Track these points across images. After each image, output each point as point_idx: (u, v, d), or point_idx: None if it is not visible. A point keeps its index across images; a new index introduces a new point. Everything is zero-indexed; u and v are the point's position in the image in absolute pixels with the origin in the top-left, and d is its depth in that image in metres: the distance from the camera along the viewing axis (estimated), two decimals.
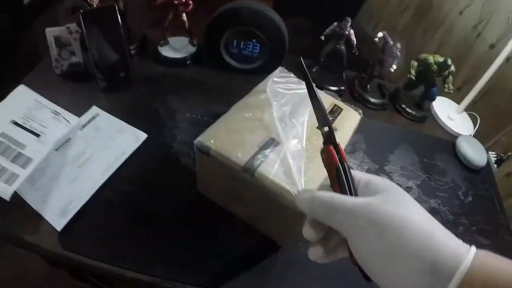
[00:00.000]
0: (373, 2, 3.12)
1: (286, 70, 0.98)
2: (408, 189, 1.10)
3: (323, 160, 0.52)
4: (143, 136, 0.99)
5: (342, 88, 1.30)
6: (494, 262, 0.37)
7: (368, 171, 1.10)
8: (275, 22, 1.16)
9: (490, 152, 1.34)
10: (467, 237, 1.05)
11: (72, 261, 0.79)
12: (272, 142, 0.76)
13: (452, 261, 0.37)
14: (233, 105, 0.84)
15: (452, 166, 1.24)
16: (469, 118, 1.47)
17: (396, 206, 0.41)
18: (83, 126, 0.98)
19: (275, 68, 1.01)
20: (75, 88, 1.08)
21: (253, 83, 0.91)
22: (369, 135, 1.17)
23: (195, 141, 0.74)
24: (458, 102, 1.45)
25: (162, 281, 0.79)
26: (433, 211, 1.07)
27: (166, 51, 1.25)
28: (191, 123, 1.07)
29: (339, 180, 0.48)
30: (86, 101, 1.04)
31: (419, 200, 1.03)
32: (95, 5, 1.02)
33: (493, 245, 1.06)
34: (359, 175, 0.49)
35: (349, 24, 1.21)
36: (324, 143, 0.53)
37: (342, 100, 0.96)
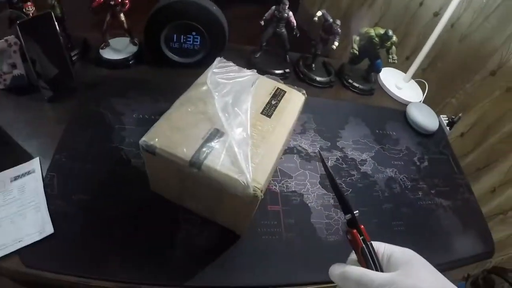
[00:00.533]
0: None
1: (224, 60, 0.96)
2: (363, 162, 1.11)
3: (349, 241, 0.55)
4: (48, 230, 0.81)
5: (287, 70, 1.30)
6: None
7: (321, 149, 1.10)
8: (212, 13, 1.13)
9: (441, 116, 1.36)
10: (427, 201, 1.07)
11: (38, 278, 0.76)
12: (216, 133, 0.75)
13: None
14: None
15: (405, 134, 1.25)
16: (417, 86, 1.49)
17: (415, 279, 0.45)
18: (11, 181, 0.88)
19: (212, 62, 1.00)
20: (20, 102, 1.04)
21: (197, 76, 0.89)
22: (318, 113, 1.18)
23: (140, 141, 0.73)
24: (406, 71, 1.45)
25: (128, 285, 0.77)
26: (390, 180, 1.09)
27: (108, 54, 1.21)
28: (138, 124, 1.03)
29: (365, 258, 0.52)
30: (31, 115, 1.01)
31: (375, 170, 1.07)
32: (31, 14, 0.98)
33: (453, 205, 1.09)
34: (382, 248, 0.52)
35: (287, 6, 1.19)
36: (348, 226, 0.56)
37: (288, 82, 0.96)
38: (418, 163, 1.17)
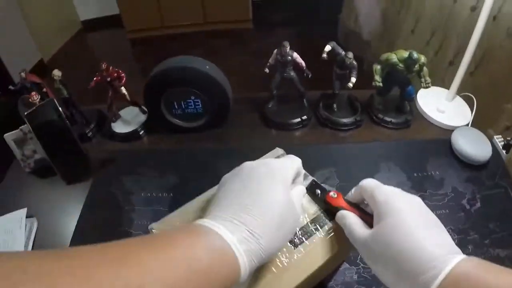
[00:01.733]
0: None
1: (281, 152, 0.77)
2: None
3: (331, 206, 0.62)
4: None
5: (304, 117, 1.16)
6: (476, 274, 0.42)
7: None
8: (204, 74, 1.05)
9: (495, 137, 1.15)
10: (480, 255, 0.87)
11: None
12: None
13: (427, 281, 0.43)
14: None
15: (451, 170, 1.07)
16: (463, 102, 1.29)
17: (387, 243, 0.48)
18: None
19: (224, 120, 1.07)
20: (43, 184, 1.08)
21: (203, 140, 0.83)
22: (342, 165, 1.02)
23: (149, 227, 0.67)
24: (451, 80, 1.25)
25: None
26: None
27: (119, 127, 1.20)
28: (147, 203, 0.99)
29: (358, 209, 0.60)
30: (53, 197, 1.05)
31: None
32: (37, 103, 0.99)
33: None
34: (368, 188, 0.58)
35: (288, 48, 1.06)
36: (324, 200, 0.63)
37: (308, 128, 0.88)
38: (467, 207, 0.98)
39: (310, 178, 0.69)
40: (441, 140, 1.15)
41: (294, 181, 0.58)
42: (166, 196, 0.99)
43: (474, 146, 1.08)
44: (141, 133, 1.20)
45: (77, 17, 4.17)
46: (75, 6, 4.08)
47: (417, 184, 1.02)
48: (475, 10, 1.76)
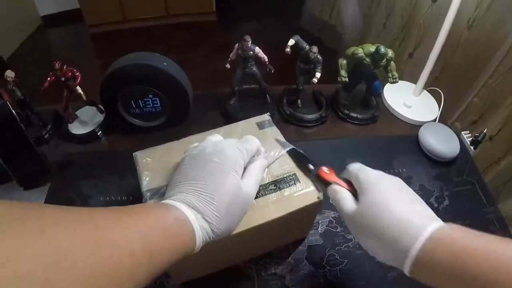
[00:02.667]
0: None
1: (267, 117, 0.88)
2: None
3: (323, 180, 0.67)
4: None
5: (267, 114, 1.11)
6: (454, 237, 0.46)
7: None
8: (163, 71, 0.99)
9: (463, 133, 1.13)
10: None
11: None
12: None
13: (407, 244, 0.47)
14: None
15: (418, 167, 1.05)
16: (431, 97, 1.27)
17: (369, 215, 0.53)
18: None
19: (184, 118, 1.10)
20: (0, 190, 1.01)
21: (163, 139, 0.81)
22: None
23: (134, 154, 0.76)
24: (415, 72, 1.23)
25: None
26: None
27: (76, 128, 1.13)
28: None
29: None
30: None
31: None
32: None
33: None
34: (354, 170, 0.63)
35: (249, 43, 1.02)
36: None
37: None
38: (435, 205, 0.96)
39: (290, 146, 0.76)
40: (408, 136, 1.13)
41: (253, 158, 0.66)
42: (126, 199, 0.95)
43: (441, 142, 1.06)
44: (99, 133, 1.14)
45: (36, 12, 4.02)
46: (34, 1, 3.94)
47: None
48: (436, 1, 1.74)
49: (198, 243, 0.51)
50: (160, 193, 0.67)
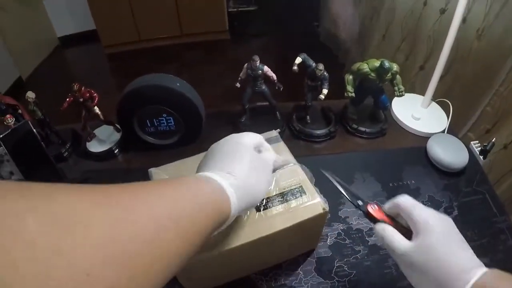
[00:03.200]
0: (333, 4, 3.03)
1: (275, 133, 0.93)
2: (372, 231, 0.93)
3: (369, 216, 0.69)
4: None
5: (277, 130, 1.14)
6: (496, 284, 0.51)
7: None
8: (176, 92, 1.03)
9: (472, 143, 1.15)
10: None
11: None
12: None
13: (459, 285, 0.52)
14: None
15: (427, 179, 1.06)
16: (439, 108, 1.28)
17: (427, 255, 0.56)
18: None
19: (197, 136, 1.13)
20: None
21: (177, 156, 0.85)
22: (316, 177, 0.98)
23: (149, 170, 0.80)
24: (426, 84, 1.24)
25: None
26: None
27: (94, 146, 1.17)
28: None
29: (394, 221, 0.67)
30: None
31: None
32: (12, 125, 0.98)
33: (493, 261, 0.88)
34: (408, 207, 0.63)
35: (258, 62, 1.05)
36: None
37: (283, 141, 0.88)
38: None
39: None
40: (416, 148, 1.14)
41: (259, 149, 0.68)
42: None
43: (450, 153, 1.07)
44: (115, 151, 1.18)
45: (54, 33, 4.11)
46: (52, 22, 4.03)
47: (392, 194, 0.99)
48: (444, 12, 1.76)
49: (233, 203, 0.53)
50: None
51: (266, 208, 0.72)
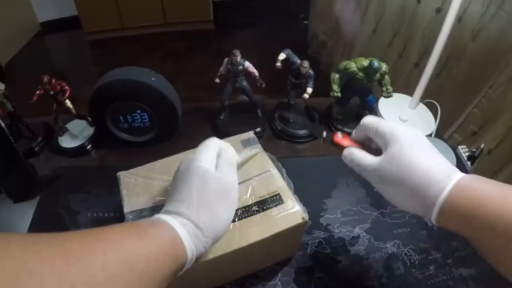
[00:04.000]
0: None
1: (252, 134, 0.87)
2: (354, 240, 0.89)
3: (337, 143, 0.68)
4: None
5: (257, 130, 1.09)
6: (475, 185, 0.49)
7: None
8: (150, 87, 0.98)
9: (460, 147, 1.11)
10: (442, 276, 0.83)
11: None
12: None
13: (436, 192, 0.50)
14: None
15: None
16: (427, 110, 1.24)
17: (397, 164, 0.54)
18: None
19: (173, 133, 1.09)
20: None
21: (153, 154, 0.82)
22: (297, 182, 0.89)
23: (118, 174, 0.78)
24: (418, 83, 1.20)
25: None
26: (391, 258, 0.85)
27: (66, 141, 1.12)
28: (93, 223, 0.93)
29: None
30: None
31: (370, 249, 0.87)
32: None
33: (477, 272, 0.84)
34: (372, 123, 0.62)
35: (239, 57, 1.00)
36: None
37: (263, 141, 0.89)
38: (430, 224, 0.93)
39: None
40: None
41: (219, 155, 0.64)
42: (113, 216, 0.93)
43: None
44: (88, 147, 1.13)
45: (35, 19, 4.02)
46: (34, 7, 3.94)
47: (377, 201, 0.97)
48: (440, 11, 1.73)
49: (189, 249, 0.51)
50: (142, 216, 0.67)
51: (241, 219, 0.68)
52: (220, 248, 0.63)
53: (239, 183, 0.66)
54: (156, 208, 0.70)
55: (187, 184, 0.56)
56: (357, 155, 0.63)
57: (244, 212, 0.69)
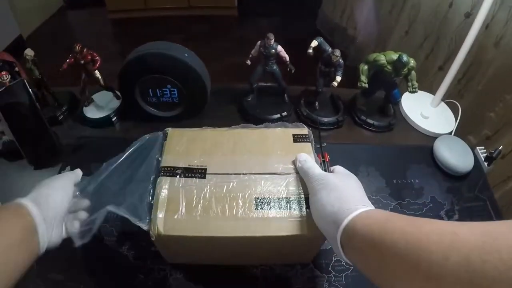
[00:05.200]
0: None
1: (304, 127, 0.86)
2: None
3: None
4: None
5: (284, 114, 1.11)
6: (374, 217, 0.52)
7: None
8: (183, 62, 0.99)
9: (478, 148, 1.11)
10: None
11: None
12: None
13: (344, 217, 0.54)
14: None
15: (431, 179, 1.03)
16: (448, 109, 1.25)
17: (339, 179, 0.63)
18: None
19: (200, 111, 1.11)
20: (10, 168, 1.04)
21: None
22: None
23: (165, 130, 0.82)
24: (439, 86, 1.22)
25: None
26: None
27: (91, 112, 1.14)
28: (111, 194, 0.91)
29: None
30: (18, 182, 1.01)
31: None
32: (7, 83, 0.96)
33: None
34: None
35: (272, 41, 1.01)
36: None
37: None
38: (445, 218, 0.95)
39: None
40: (423, 147, 1.11)
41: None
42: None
43: (456, 156, 1.04)
44: (113, 119, 1.14)
45: None
46: None
47: (396, 191, 0.99)
48: (469, 17, 1.72)
49: (43, 240, 0.59)
50: (175, 173, 0.71)
51: (267, 210, 0.67)
52: (234, 229, 0.64)
53: (279, 173, 0.72)
54: (189, 169, 0.72)
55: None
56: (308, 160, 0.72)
57: (271, 203, 0.68)
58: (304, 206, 0.67)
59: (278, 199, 0.68)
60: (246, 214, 0.66)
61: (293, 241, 0.67)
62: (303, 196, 0.68)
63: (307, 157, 0.71)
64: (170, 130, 0.80)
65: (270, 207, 0.67)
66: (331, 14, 3.26)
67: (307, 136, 0.80)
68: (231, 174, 0.72)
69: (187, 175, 0.71)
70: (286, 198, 0.68)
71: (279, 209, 0.67)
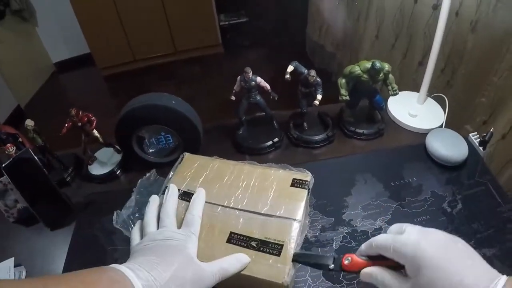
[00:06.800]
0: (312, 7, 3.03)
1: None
2: (377, 232, 0.93)
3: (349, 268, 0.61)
4: None
5: (275, 140, 1.15)
6: None
7: (323, 229, 0.94)
8: (171, 109, 1.04)
9: (471, 135, 1.14)
10: None
11: None
12: None
13: None
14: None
15: (428, 174, 1.06)
16: (435, 103, 1.28)
17: (432, 285, 0.50)
18: None
19: (196, 150, 1.08)
20: (28, 233, 1.07)
21: None
22: (317, 183, 0.91)
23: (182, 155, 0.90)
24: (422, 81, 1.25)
25: None
26: None
27: (95, 169, 1.19)
28: (129, 242, 0.94)
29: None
30: (37, 245, 1.04)
31: None
32: (13, 154, 1.00)
33: (501, 251, 0.88)
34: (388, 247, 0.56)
35: (250, 74, 1.06)
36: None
37: (281, 149, 1.00)
38: (449, 210, 0.97)
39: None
40: (415, 145, 1.14)
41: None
42: None
43: (449, 147, 1.07)
44: (117, 172, 1.19)
45: (49, 60, 4.13)
46: (47, 49, 4.05)
47: (395, 192, 1.01)
48: (437, 8, 1.76)
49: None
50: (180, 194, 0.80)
51: (236, 245, 0.71)
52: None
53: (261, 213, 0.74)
54: (186, 193, 0.80)
55: (169, 258, 0.61)
56: (380, 277, 0.57)
57: (243, 241, 0.71)
58: (274, 251, 0.69)
59: (250, 238, 0.72)
60: (217, 245, 0.71)
61: (252, 282, 0.68)
62: (277, 241, 0.70)
63: (371, 275, 0.59)
64: (186, 155, 0.90)
65: (239, 245, 0.71)
66: (312, 33, 3.32)
67: (306, 183, 0.81)
68: (219, 205, 0.78)
69: (183, 197, 0.79)
70: (259, 239, 0.71)
71: (247, 248, 0.70)
